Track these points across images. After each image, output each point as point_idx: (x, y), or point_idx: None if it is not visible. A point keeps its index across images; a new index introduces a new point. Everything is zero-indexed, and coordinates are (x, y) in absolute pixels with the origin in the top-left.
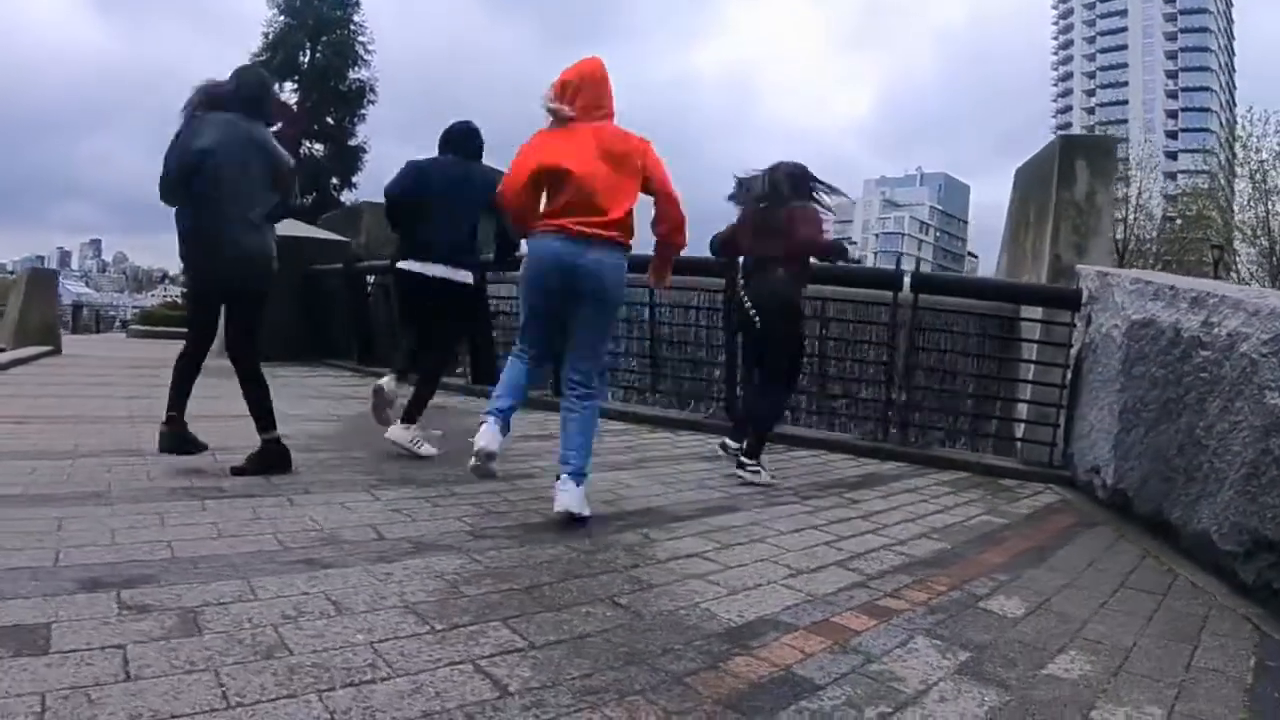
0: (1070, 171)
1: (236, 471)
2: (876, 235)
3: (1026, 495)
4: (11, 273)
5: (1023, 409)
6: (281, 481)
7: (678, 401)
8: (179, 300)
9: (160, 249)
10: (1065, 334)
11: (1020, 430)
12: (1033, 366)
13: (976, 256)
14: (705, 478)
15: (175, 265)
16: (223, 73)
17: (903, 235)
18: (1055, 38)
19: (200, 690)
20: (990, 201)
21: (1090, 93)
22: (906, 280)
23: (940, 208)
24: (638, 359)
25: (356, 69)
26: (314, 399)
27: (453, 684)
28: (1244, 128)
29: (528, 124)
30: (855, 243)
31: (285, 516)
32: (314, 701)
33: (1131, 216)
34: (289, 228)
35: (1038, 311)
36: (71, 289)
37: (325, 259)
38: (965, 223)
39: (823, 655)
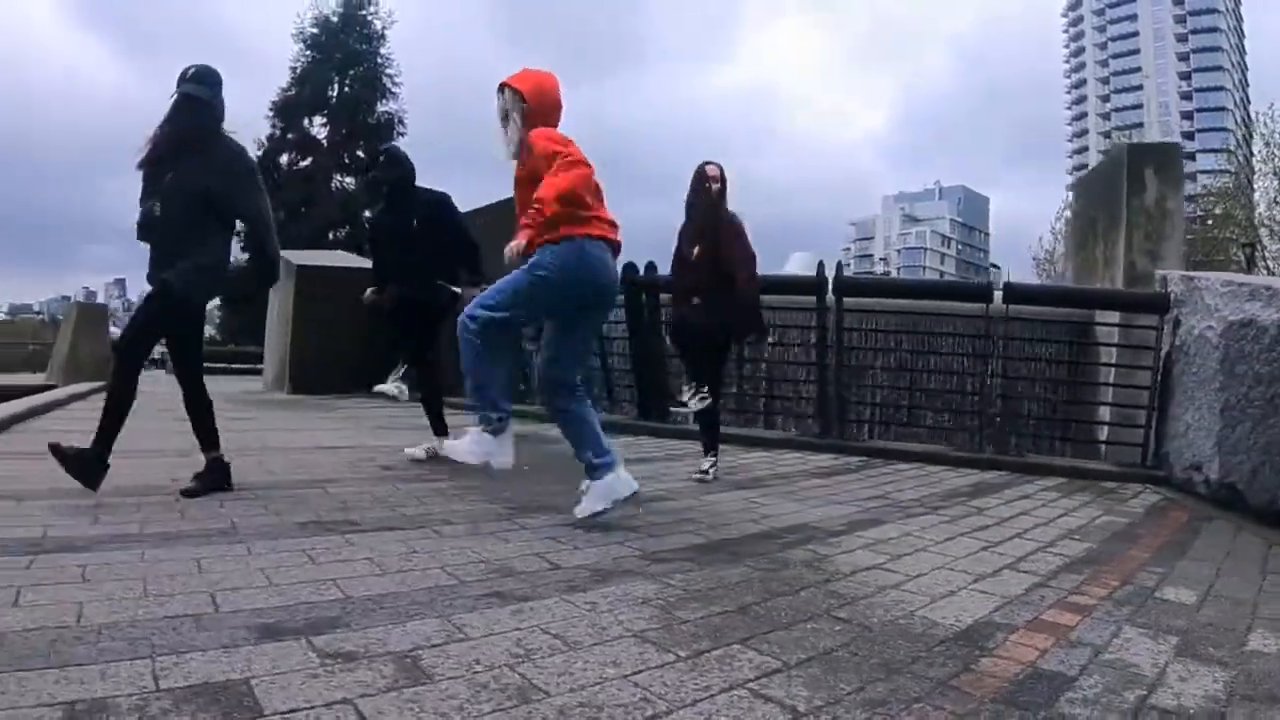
0: (1139, 179)
1: (188, 494)
2: (899, 251)
3: (1131, 495)
4: (39, 313)
5: (1105, 412)
6: (416, 514)
7: (764, 421)
8: (216, 336)
9: None
10: (1149, 337)
11: (1104, 433)
12: (1113, 370)
13: (999, 268)
14: (832, 494)
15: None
16: (246, 111)
17: (925, 249)
18: (1067, 45)
19: None
20: (1011, 211)
21: (1105, 98)
22: (998, 292)
23: (961, 220)
24: (732, 380)
25: (384, 101)
26: (389, 430)
27: (742, 711)
28: (1265, 124)
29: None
30: (883, 259)
31: (441, 550)
32: None
33: None
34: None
35: (1115, 316)
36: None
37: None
38: (987, 234)
39: (1056, 650)
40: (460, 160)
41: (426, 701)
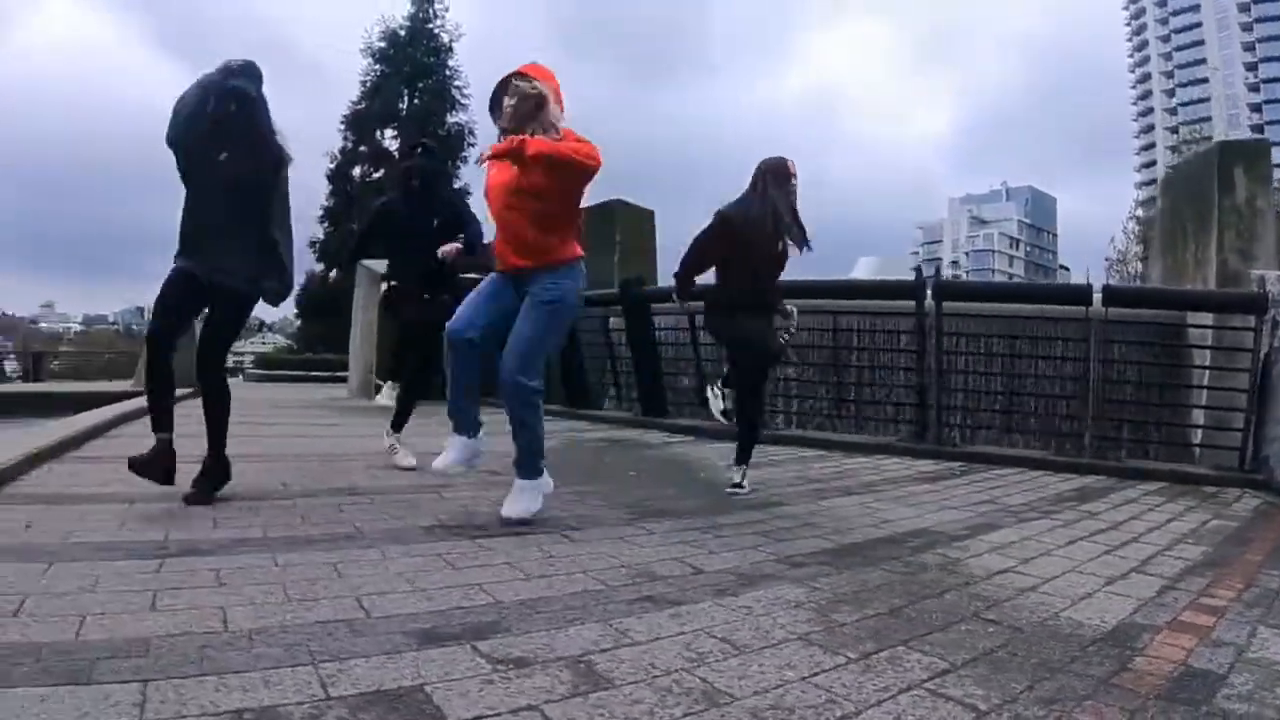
0: (1229, 178)
1: (192, 500)
2: (967, 254)
3: (1233, 499)
4: (114, 323)
5: (1198, 415)
6: (544, 519)
7: (855, 426)
8: (293, 346)
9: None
10: (1244, 339)
11: (1198, 436)
12: (1207, 373)
13: (1068, 269)
14: (943, 499)
15: (270, 314)
16: (312, 129)
17: (993, 252)
18: (1130, 39)
19: None
20: (1080, 211)
21: (1170, 93)
22: (1097, 295)
23: (1028, 221)
24: (826, 385)
25: (454, 113)
26: (486, 434)
27: (928, 710)
28: None
29: (608, 156)
30: (954, 262)
31: (578, 554)
32: None
33: None
34: None
35: (1208, 318)
36: None
37: None
38: (1055, 235)
39: (1202, 649)
40: None
41: (614, 707)
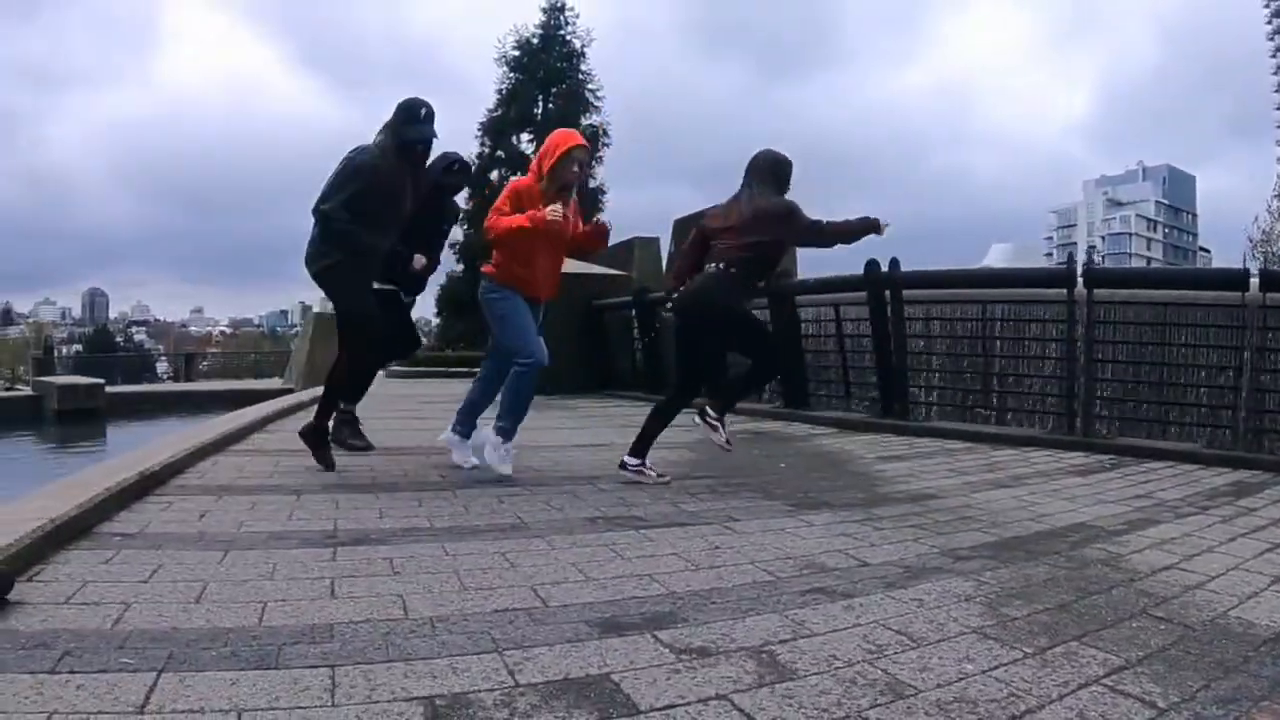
0: None
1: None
2: (1103, 238)
3: None
4: (258, 326)
5: None
6: (697, 510)
7: (996, 418)
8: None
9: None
10: None
11: None
12: None
13: (1209, 251)
14: (1096, 493)
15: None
16: (453, 138)
17: (1130, 235)
18: (1267, 5)
19: None
20: (1221, 189)
21: None
22: (1254, 280)
23: (1166, 202)
24: (971, 376)
25: (588, 115)
26: (634, 429)
27: (1108, 706)
28: None
29: (739, 155)
30: (1091, 247)
31: (744, 545)
32: None
33: None
34: (570, 265)
35: None
36: None
37: (610, 293)
38: (1194, 215)
39: None
40: (653, 170)
41: (802, 697)
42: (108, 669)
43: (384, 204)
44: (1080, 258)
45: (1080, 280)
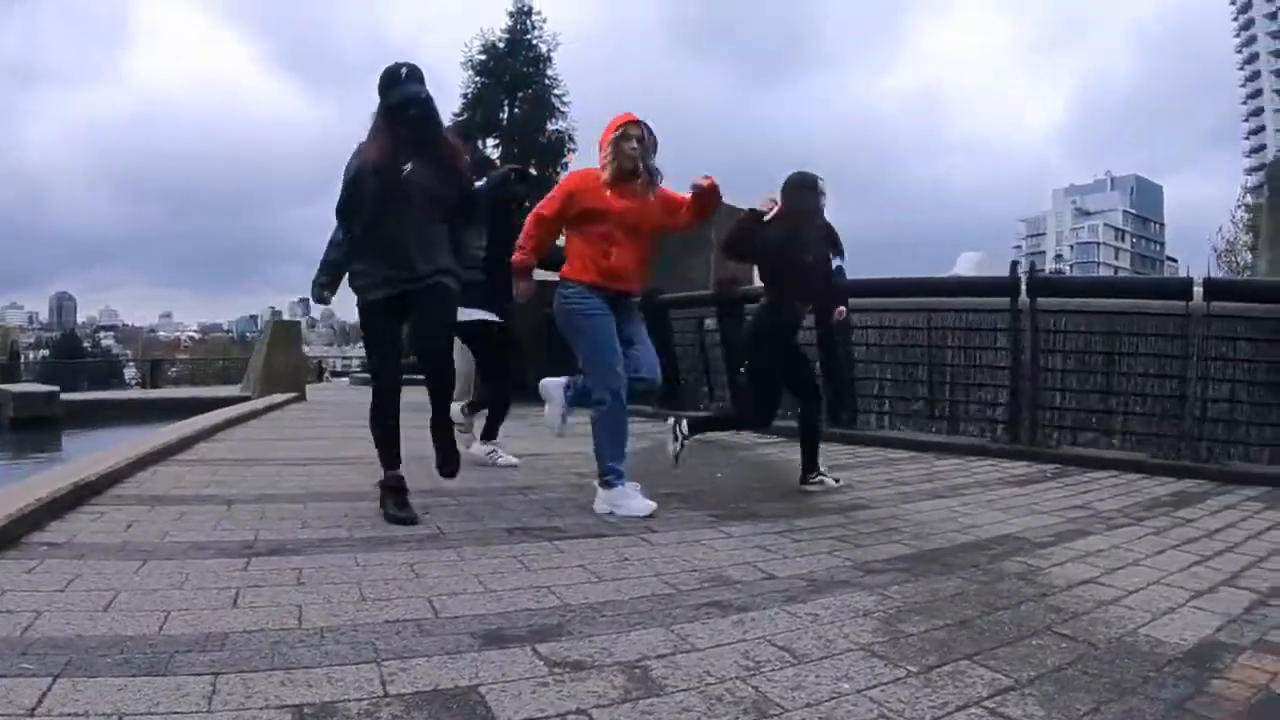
0: None
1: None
2: (1071, 247)
3: None
4: (228, 331)
5: None
6: (620, 520)
7: (947, 427)
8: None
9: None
10: None
11: None
12: None
13: (1176, 260)
14: (1032, 503)
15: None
16: None
17: (1098, 244)
18: (1235, 18)
19: None
20: (1187, 200)
21: (1279, 73)
22: (1198, 288)
23: (1134, 211)
24: (919, 384)
25: (554, 120)
26: (584, 438)
27: None
28: None
29: (729, 161)
30: (1058, 256)
31: (654, 557)
32: None
33: None
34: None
35: None
36: None
37: None
38: (1162, 225)
39: None
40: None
41: (663, 713)
42: (7, 674)
43: (390, 198)
44: (1036, 266)
45: (1024, 289)
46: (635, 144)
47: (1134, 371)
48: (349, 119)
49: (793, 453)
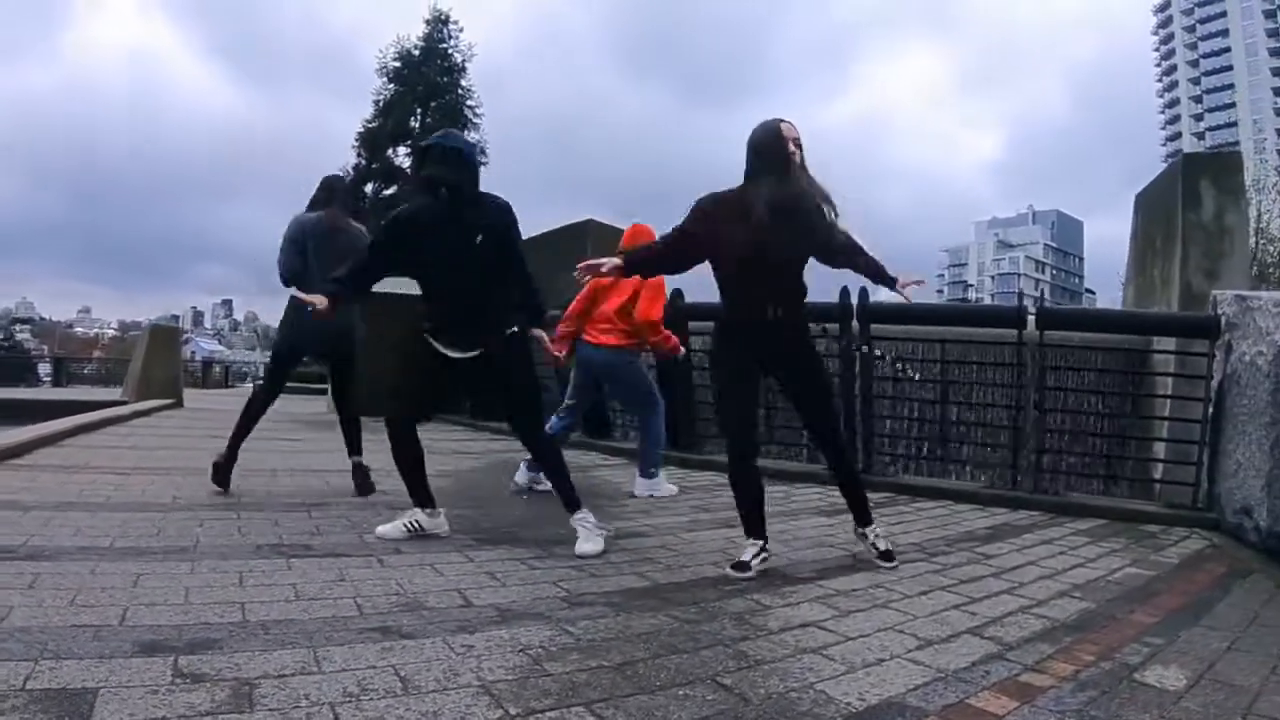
0: (1195, 192)
1: None
2: (993, 277)
3: (1172, 542)
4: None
5: (1160, 448)
6: (377, 542)
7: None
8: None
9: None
10: (1202, 365)
11: (1159, 471)
12: (1169, 402)
13: (1094, 293)
14: (825, 534)
15: None
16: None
17: (1019, 275)
18: (1159, 64)
19: None
20: (1107, 235)
21: (1198, 117)
22: (1031, 318)
23: (1054, 245)
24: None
25: (466, 132)
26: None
27: None
28: None
29: (659, 184)
30: (972, 285)
31: (371, 579)
32: None
33: (1252, 241)
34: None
35: (1171, 343)
36: (205, 346)
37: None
38: (1081, 259)
39: None
40: (548, 187)
41: None
42: None
43: None
44: (959, 295)
45: (855, 317)
46: None
47: (971, 400)
48: (280, 115)
49: (622, 476)
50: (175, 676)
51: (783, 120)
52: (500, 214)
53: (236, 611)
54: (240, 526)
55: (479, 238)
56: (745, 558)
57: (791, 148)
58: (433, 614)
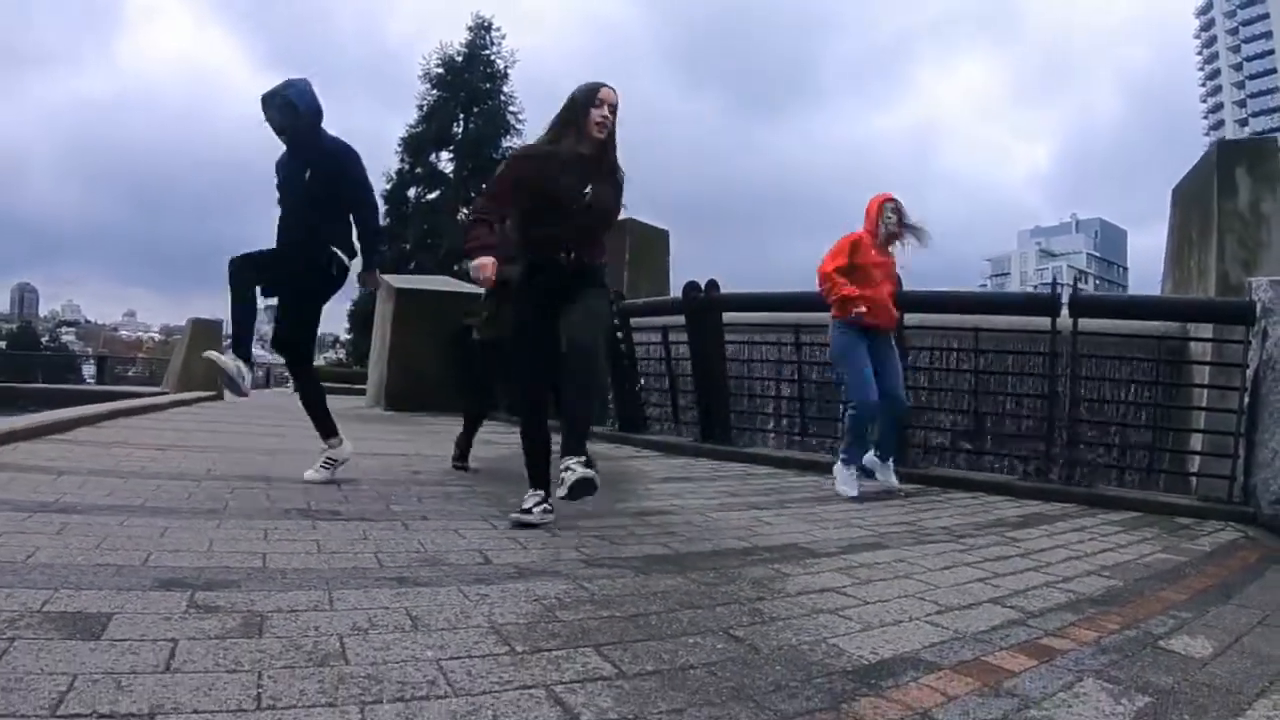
0: (1230, 181)
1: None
2: (1034, 286)
3: (1206, 533)
4: None
5: (1197, 440)
6: (403, 510)
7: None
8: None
9: (329, 315)
10: (1238, 353)
11: (1195, 464)
12: (1206, 392)
13: None
14: (855, 518)
15: (343, 329)
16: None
17: (1061, 285)
18: (1201, 68)
19: (235, 689)
20: (1151, 245)
21: (1242, 123)
22: (1065, 306)
23: (1098, 254)
24: (786, 402)
25: (508, 137)
26: (448, 440)
27: (516, 709)
28: None
29: (712, 190)
30: None
31: (394, 539)
32: (352, 713)
33: None
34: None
35: (1208, 330)
36: None
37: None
38: (1125, 269)
39: (968, 699)
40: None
41: (234, 651)
42: None
43: None
44: None
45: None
46: (895, 216)
47: (1003, 391)
48: (336, 127)
49: (648, 463)
50: (190, 607)
51: (605, 84)
52: (334, 158)
53: (258, 560)
54: (270, 494)
55: (307, 173)
56: (528, 504)
57: (606, 112)
58: (452, 569)
